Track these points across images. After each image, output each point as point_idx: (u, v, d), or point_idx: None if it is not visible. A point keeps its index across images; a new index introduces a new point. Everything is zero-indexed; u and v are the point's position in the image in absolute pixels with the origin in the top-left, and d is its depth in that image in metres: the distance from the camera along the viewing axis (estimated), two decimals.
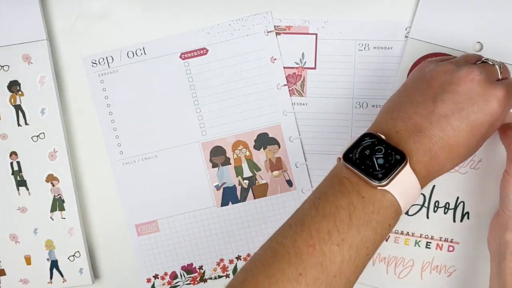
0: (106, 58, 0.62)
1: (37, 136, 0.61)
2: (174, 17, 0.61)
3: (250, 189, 0.63)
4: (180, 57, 0.62)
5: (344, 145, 0.60)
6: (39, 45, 0.60)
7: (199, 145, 0.62)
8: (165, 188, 0.62)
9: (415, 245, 0.61)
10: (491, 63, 0.50)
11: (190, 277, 0.64)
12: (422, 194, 0.60)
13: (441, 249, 0.61)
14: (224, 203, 0.63)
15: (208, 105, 0.62)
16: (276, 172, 0.63)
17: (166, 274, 0.64)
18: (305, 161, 0.62)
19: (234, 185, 0.63)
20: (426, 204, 0.60)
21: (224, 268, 0.64)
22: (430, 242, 0.61)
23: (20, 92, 0.61)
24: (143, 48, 0.61)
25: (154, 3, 0.61)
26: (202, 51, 0.61)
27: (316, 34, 0.61)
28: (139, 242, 0.64)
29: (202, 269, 0.64)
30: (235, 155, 0.62)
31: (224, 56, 0.61)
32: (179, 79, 0.62)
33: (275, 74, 0.61)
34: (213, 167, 0.62)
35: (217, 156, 0.62)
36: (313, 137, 0.62)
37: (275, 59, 0.61)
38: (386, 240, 0.61)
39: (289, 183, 0.63)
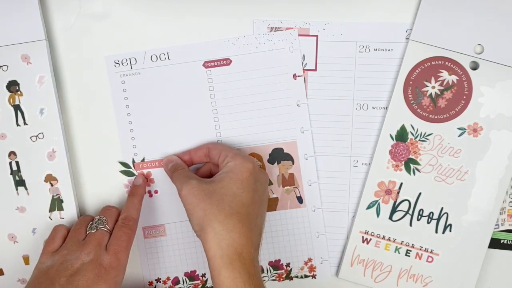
0: (129, 59, 0.61)
1: (36, 136, 0.61)
2: (180, 20, 0.61)
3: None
4: (204, 65, 0.61)
5: (344, 146, 0.61)
6: (38, 45, 0.60)
7: None
8: (175, 193, 0.60)
9: (395, 251, 0.61)
10: (93, 230, 0.56)
11: (192, 284, 0.64)
12: (407, 200, 0.61)
13: (420, 258, 0.61)
14: None
15: (226, 115, 0.62)
16: (287, 188, 0.63)
17: (168, 279, 0.64)
18: (318, 179, 0.62)
19: None
20: (410, 212, 0.61)
21: None
22: (410, 250, 0.61)
23: (19, 92, 0.60)
24: (167, 53, 0.61)
25: (155, 5, 0.61)
26: (226, 61, 0.61)
27: (316, 36, 0.61)
28: (145, 245, 0.64)
29: (205, 277, 0.64)
30: None
31: (247, 68, 0.61)
32: (200, 87, 0.62)
33: (296, 91, 0.61)
34: None
35: None
36: (313, 138, 0.62)
37: (297, 76, 0.61)
38: (367, 243, 0.62)
39: (300, 200, 0.63)
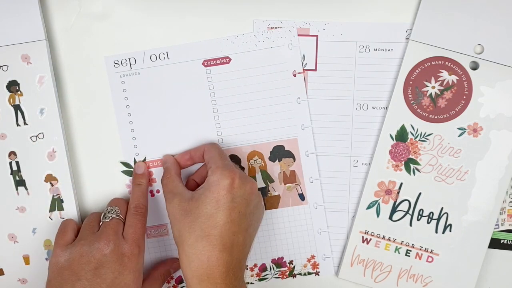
0: (129, 59, 0.61)
1: (36, 136, 0.61)
2: (180, 21, 0.61)
3: (262, 200, 0.62)
4: (203, 64, 0.61)
5: (344, 146, 0.61)
6: (38, 45, 0.60)
7: None
8: None
9: (395, 251, 0.61)
10: (107, 220, 0.57)
11: None
12: (407, 200, 0.61)
13: (420, 258, 0.61)
14: None
15: (226, 114, 0.62)
16: (289, 185, 0.63)
17: (172, 278, 0.64)
18: (319, 176, 0.62)
19: None
20: (410, 212, 0.61)
21: None
22: (410, 250, 0.61)
23: (19, 92, 0.60)
24: (167, 52, 0.61)
25: (155, 5, 0.61)
26: (225, 60, 0.61)
27: (317, 36, 0.61)
28: (147, 245, 0.63)
29: None
30: (249, 165, 0.62)
31: (247, 66, 0.61)
32: (200, 86, 0.62)
33: (296, 88, 0.61)
34: None
35: None
36: (314, 136, 0.62)
37: (297, 73, 0.61)
38: (367, 243, 0.62)
39: (301, 197, 0.63)
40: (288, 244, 0.63)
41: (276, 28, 0.61)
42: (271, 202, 0.63)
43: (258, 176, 0.62)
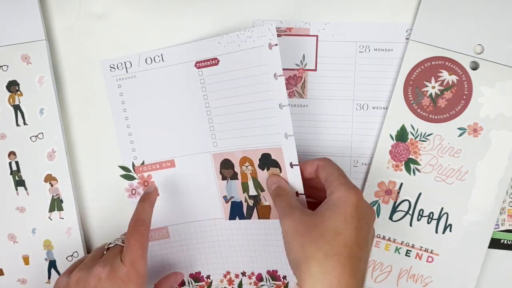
0: (125, 63, 0.60)
1: (35, 136, 0.61)
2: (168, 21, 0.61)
3: (255, 208, 0.60)
4: (195, 65, 0.60)
5: (344, 146, 0.61)
6: (38, 45, 0.60)
7: (210, 156, 0.60)
8: (176, 195, 0.61)
9: (395, 252, 0.61)
10: (112, 245, 0.56)
11: (197, 285, 0.64)
12: (407, 200, 0.61)
13: (420, 258, 0.61)
14: (232, 217, 0.61)
15: (219, 117, 0.60)
16: None
17: None
18: (304, 192, 0.57)
19: (241, 201, 0.61)
20: (410, 212, 0.61)
21: (230, 281, 0.63)
22: (411, 251, 0.61)
23: (19, 92, 0.60)
24: (161, 54, 0.60)
25: (156, 5, 0.61)
26: (214, 61, 0.59)
27: (317, 36, 0.61)
28: (148, 248, 0.62)
29: (210, 279, 0.64)
30: (242, 170, 0.60)
31: (232, 68, 0.58)
32: (194, 88, 0.60)
33: (278, 92, 0.56)
34: (222, 179, 0.61)
35: (226, 169, 0.60)
36: (313, 138, 0.62)
37: (278, 75, 0.56)
38: None
39: None
40: (282, 258, 0.61)
41: (276, 28, 0.60)
42: (263, 212, 0.60)
43: (250, 183, 0.60)
